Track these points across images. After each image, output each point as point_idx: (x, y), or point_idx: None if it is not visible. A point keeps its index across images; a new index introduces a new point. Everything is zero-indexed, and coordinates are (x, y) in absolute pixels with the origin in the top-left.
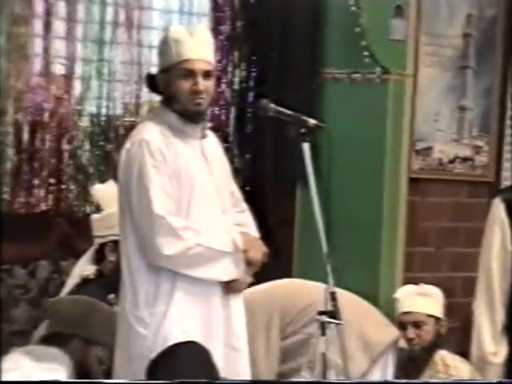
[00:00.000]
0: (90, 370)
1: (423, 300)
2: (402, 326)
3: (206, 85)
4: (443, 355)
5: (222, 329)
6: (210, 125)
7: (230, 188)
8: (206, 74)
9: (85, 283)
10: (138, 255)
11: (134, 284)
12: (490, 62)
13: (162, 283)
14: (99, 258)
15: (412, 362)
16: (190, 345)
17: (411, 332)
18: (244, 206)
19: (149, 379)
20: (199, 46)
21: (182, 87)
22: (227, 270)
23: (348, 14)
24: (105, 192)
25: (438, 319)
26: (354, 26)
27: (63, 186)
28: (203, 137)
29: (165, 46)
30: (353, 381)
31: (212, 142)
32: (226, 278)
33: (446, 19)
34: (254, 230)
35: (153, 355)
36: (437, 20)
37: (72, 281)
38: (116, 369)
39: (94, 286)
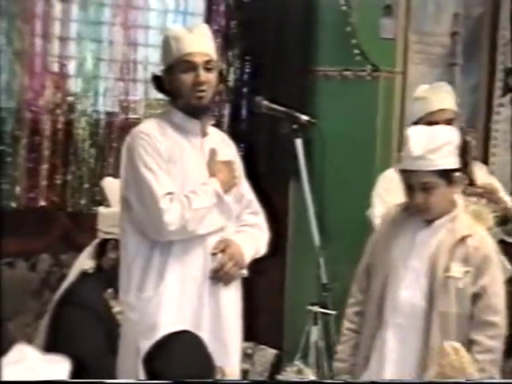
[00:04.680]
0: None
1: (450, 96)
2: (431, 123)
3: (207, 77)
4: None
5: (211, 321)
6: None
7: (240, 190)
8: (208, 67)
9: (84, 277)
10: (134, 242)
11: (129, 271)
12: (477, 60)
13: (151, 272)
14: (100, 252)
15: None
16: (184, 334)
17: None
18: (257, 207)
19: (145, 371)
20: (198, 40)
21: (184, 81)
22: (217, 218)
23: (339, 14)
24: (114, 186)
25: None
26: (344, 25)
27: (62, 181)
28: (204, 134)
29: (166, 45)
30: (353, 381)
31: (217, 142)
32: (221, 223)
33: (433, 18)
34: (265, 232)
35: (144, 342)
36: (425, 19)
37: (72, 274)
38: (118, 359)
39: (93, 281)
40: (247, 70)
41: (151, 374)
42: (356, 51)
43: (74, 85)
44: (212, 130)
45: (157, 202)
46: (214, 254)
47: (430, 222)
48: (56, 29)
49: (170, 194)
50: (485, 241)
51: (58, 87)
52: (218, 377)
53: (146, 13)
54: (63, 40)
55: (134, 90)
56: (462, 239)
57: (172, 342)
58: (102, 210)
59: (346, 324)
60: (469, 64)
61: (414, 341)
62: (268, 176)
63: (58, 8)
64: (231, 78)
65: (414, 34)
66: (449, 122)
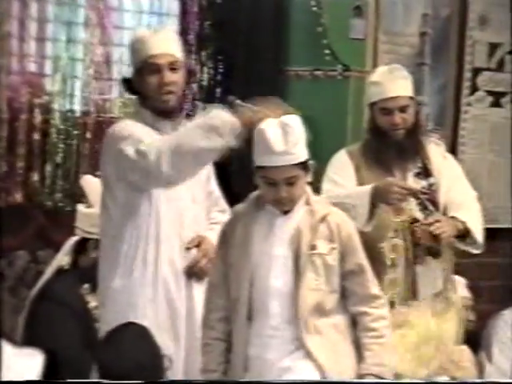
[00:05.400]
0: None
1: (405, 83)
2: (385, 110)
3: (173, 77)
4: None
5: (185, 321)
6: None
7: (209, 187)
8: (173, 68)
9: (60, 273)
10: (109, 238)
11: (104, 265)
12: (445, 60)
13: (124, 267)
14: (78, 250)
15: (396, 144)
16: (129, 326)
17: (398, 117)
18: (224, 205)
19: (96, 365)
20: (162, 42)
21: (150, 83)
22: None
23: (310, 15)
24: (94, 185)
25: (414, 99)
26: (315, 25)
27: (38, 179)
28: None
29: (132, 48)
30: (353, 381)
31: None
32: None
33: (402, 19)
34: None
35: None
36: (394, 19)
37: (49, 270)
38: None
39: (69, 276)
40: (220, 70)
41: (102, 367)
42: (327, 51)
43: (50, 84)
44: None
45: (138, 149)
46: (188, 249)
47: (285, 211)
48: (32, 29)
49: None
50: (344, 218)
51: (35, 86)
52: (167, 365)
53: (121, 13)
54: (39, 40)
55: (108, 89)
56: (323, 218)
57: (117, 334)
58: (81, 208)
59: (209, 333)
60: (437, 64)
61: (287, 328)
62: (239, 174)
63: (33, 8)
64: (204, 77)
65: (383, 35)
66: (403, 109)
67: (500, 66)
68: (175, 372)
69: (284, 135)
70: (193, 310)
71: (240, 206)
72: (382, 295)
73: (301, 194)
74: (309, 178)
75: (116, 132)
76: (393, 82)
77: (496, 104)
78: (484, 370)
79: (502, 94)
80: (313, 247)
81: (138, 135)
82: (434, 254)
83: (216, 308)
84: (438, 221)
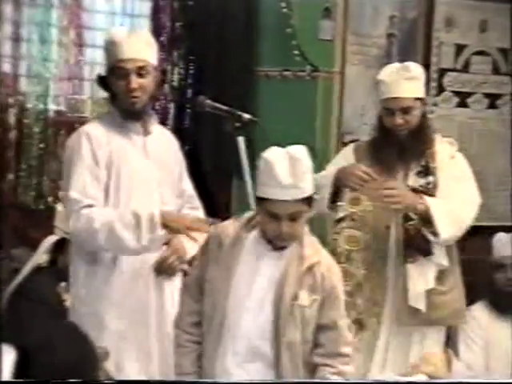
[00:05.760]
0: None
1: (410, 84)
2: (388, 110)
3: (139, 82)
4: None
5: (156, 314)
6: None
7: (182, 185)
8: (141, 72)
9: (37, 271)
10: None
11: (78, 264)
12: (412, 60)
13: (99, 266)
14: (56, 249)
15: (400, 143)
16: (59, 322)
17: (399, 118)
18: (197, 203)
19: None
20: (133, 46)
21: (118, 86)
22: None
23: (280, 16)
24: None
25: (422, 99)
26: (285, 26)
27: (13, 178)
28: (147, 133)
29: (105, 48)
30: (353, 381)
31: (161, 140)
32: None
33: (370, 20)
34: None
35: (91, 334)
36: (362, 21)
37: (27, 268)
38: None
39: (46, 275)
40: (191, 71)
41: (37, 367)
42: (296, 52)
43: (25, 84)
44: (157, 129)
45: (71, 207)
46: None
47: (276, 246)
48: (7, 30)
49: (89, 206)
50: (332, 269)
51: (9, 87)
52: (103, 357)
53: (94, 14)
54: (14, 41)
55: (81, 89)
56: (311, 267)
57: (48, 332)
58: (61, 209)
59: (184, 336)
60: None
61: (259, 370)
62: (211, 174)
63: (8, 10)
64: (175, 78)
65: (351, 36)
66: (406, 110)
67: (466, 67)
68: (151, 372)
69: (292, 167)
70: (163, 307)
71: (227, 228)
72: (349, 353)
73: (301, 230)
74: (311, 214)
75: (75, 142)
76: (397, 82)
77: (462, 104)
78: (451, 366)
79: (468, 95)
80: (296, 297)
81: (93, 170)
82: (425, 252)
83: (190, 311)
84: (393, 188)
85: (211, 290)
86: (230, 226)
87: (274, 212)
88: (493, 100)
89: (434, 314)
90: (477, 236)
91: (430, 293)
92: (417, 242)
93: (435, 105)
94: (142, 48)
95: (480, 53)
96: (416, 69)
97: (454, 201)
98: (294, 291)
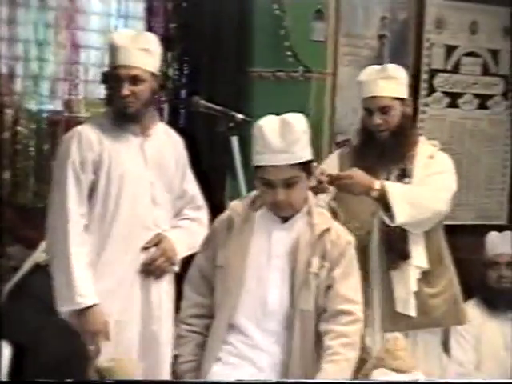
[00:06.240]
0: None
1: (387, 83)
2: (368, 111)
3: (132, 90)
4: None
5: (142, 314)
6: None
7: (183, 186)
8: (134, 80)
9: (36, 269)
10: None
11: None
12: (403, 61)
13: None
14: None
15: (381, 146)
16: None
17: (378, 118)
18: (200, 202)
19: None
20: (129, 53)
21: (112, 89)
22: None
23: (273, 18)
24: None
25: (403, 100)
26: (278, 28)
27: (9, 177)
28: (145, 134)
29: (108, 48)
30: (352, 381)
31: (161, 141)
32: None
33: (362, 22)
34: (205, 227)
35: None
36: (354, 23)
37: (26, 266)
38: None
39: (45, 272)
40: (185, 71)
41: (29, 363)
42: (289, 53)
43: (20, 85)
44: (159, 129)
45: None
46: (145, 249)
47: (285, 217)
48: (3, 31)
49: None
50: (341, 235)
51: (5, 87)
52: (94, 354)
53: (89, 16)
54: (10, 41)
55: (76, 89)
56: (322, 234)
57: (40, 328)
58: None
59: (184, 326)
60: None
61: (273, 345)
62: (206, 173)
63: (4, 10)
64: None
65: (343, 37)
66: (384, 110)
67: (456, 68)
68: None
69: (282, 132)
70: (149, 308)
71: (236, 207)
72: (353, 311)
73: (301, 199)
74: (312, 182)
75: (68, 142)
76: (374, 81)
77: (453, 105)
78: (442, 363)
79: (459, 95)
80: (309, 265)
81: (81, 176)
82: (403, 256)
83: (192, 304)
84: (349, 174)
85: (223, 277)
86: (238, 205)
87: (268, 179)
88: (483, 100)
89: (425, 317)
90: (468, 235)
91: (419, 296)
92: (396, 245)
93: (426, 105)
94: (138, 55)
95: (470, 54)
96: (394, 69)
97: (419, 187)
98: (308, 258)
